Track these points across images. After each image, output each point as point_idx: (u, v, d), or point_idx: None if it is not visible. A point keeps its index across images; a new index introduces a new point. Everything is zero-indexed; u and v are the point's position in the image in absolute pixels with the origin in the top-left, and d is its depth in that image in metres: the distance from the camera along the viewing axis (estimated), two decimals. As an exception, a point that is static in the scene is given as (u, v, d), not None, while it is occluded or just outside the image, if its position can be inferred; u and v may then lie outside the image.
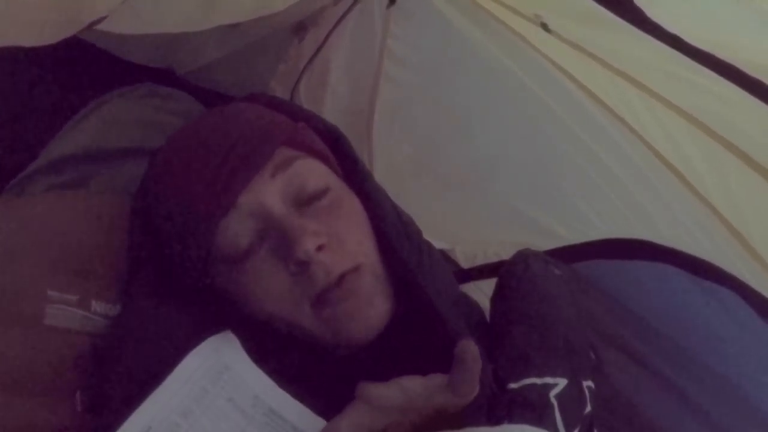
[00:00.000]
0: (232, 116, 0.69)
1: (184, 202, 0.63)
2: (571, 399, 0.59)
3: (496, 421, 0.56)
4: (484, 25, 0.90)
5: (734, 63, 0.55)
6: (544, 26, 0.78)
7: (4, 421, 0.63)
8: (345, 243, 0.63)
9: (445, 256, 1.04)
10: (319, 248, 0.60)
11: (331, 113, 1.11)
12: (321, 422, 0.58)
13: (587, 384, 0.61)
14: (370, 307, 0.63)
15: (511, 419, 0.56)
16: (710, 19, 0.60)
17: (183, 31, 0.90)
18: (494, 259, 1.02)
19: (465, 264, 1.07)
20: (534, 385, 0.58)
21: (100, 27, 0.72)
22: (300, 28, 1.12)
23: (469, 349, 0.54)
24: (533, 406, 0.57)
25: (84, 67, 0.93)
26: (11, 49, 0.83)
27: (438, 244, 0.82)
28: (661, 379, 0.78)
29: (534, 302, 0.66)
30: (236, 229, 0.62)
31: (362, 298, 0.62)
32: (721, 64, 0.55)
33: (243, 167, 0.62)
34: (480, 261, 1.05)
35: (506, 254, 0.75)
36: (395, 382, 0.55)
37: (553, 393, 0.58)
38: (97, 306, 0.71)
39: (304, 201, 0.64)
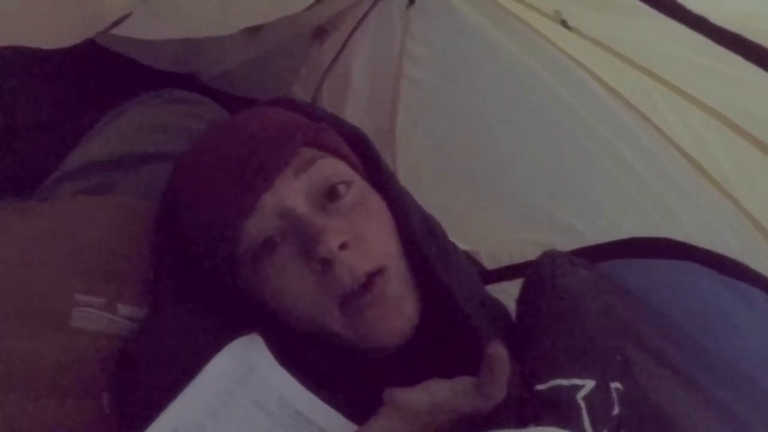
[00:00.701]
0: (254, 119, 0.69)
1: (208, 203, 0.64)
2: (598, 400, 0.58)
3: (523, 424, 0.55)
4: (502, 22, 0.90)
5: (762, 42, 0.53)
6: (564, 23, 0.77)
7: (32, 421, 0.64)
8: (369, 242, 0.63)
9: (469, 257, 1.04)
10: (342, 246, 0.60)
11: (354, 115, 1.12)
12: (348, 424, 0.58)
13: (615, 385, 0.60)
14: (399, 313, 0.63)
15: (539, 421, 0.55)
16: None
17: (204, 36, 0.91)
18: (519, 260, 1.01)
19: (489, 265, 1.07)
20: (561, 386, 0.58)
21: (123, 33, 0.73)
22: (321, 32, 1.12)
23: (497, 352, 0.54)
24: (560, 408, 0.56)
25: (108, 73, 0.94)
26: (35, 56, 0.85)
27: (462, 246, 0.82)
28: (688, 380, 0.77)
29: (560, 303, 0.65)
30: (260, 229, 0.62)
31: (391, 304, 0.62)
32: (748, 46, 0.53)
33: (266, 167, 0.62)
34: (505, 262, 1.05)
35: (531, 255, 0.74)
36: (422, 386, 0.55)
37: (580, 394, 0.57)
38: (123, 309, 0.72)
39: (327, 200, 0.64)
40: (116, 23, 0.63)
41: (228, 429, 0.58)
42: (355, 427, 0.57)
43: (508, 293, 0.81)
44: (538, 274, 0.69)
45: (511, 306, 0.71)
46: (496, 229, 1.06)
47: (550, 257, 0.70)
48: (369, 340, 0.63)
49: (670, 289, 0.83)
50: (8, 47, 0.56)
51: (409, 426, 0.54)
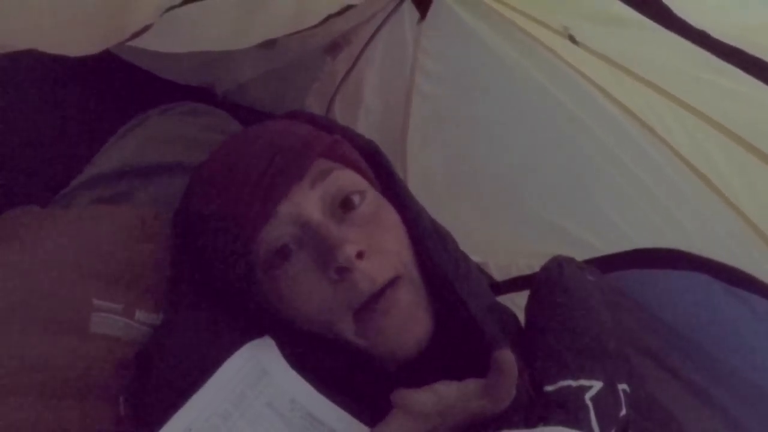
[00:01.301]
0: (272, 130, 0.71)
1: (226, 211, 0.65)
2: (606, 401, 0.58)
3: (531, 424, 0.56)
4: (513, 38, 0.90)
5: (762, 56, 0.54)
6: (572, 38, 0.78)
7: (49, 424, 0.65)
8: (384, 252, 0.64)
9: (478, 269, 1.04)
10: (359, 255, 0.61)
11: (365, 129, 1.12)
12: (359, 426, 0.58)
13: (622, 387, 0.61)
14: (414, 323, 0.63)
15: (547, 421, 0.55)
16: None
17: (221, 50, 0.93)
18: (527, 271, 1.02)
19: (498, 277, 1.07)
20: (569, 387, 0.58)
21: (141, 46, 0.75)
22: (334, 47, 1.13)
23: (506, 357, 0.54)
24: (569, 409, 0.56)
25: (126, 85, 0.96)
26: (55, 67, 0.87)
27: (471, 257, 0.83)
28: (694, 390, 0.78)
29: (568, 305, 0.65)
30: (276, 236, 0.64)
31: (405, 313, 0.63)
32: (749, 60, 0.55)
33: (283, 177, 0.64)
34: (513, 274, 1.05)
35: (539, 266, 0.75)
36: (430, 387, 0.55)
37: (588, 395, 0.58)
38: (140, 315, 0.73)
39: (342, 210, 0.65)
40: (136, 35, 0.65)
41: (241, 430, 0.58)
42: (366, 429, 0.58)
43: (516, 305, 0.82)
44: (546, 277, 0.69)
45: (520, 318, 0.72)
46: (505, 240, 1.06)
47: (558, 262, 0.71)
48: (384, 349, 0.63)
49: (677, 299, 0.83)
50: (28, 55, 0.57)
51: (418, 428, 0.54)
